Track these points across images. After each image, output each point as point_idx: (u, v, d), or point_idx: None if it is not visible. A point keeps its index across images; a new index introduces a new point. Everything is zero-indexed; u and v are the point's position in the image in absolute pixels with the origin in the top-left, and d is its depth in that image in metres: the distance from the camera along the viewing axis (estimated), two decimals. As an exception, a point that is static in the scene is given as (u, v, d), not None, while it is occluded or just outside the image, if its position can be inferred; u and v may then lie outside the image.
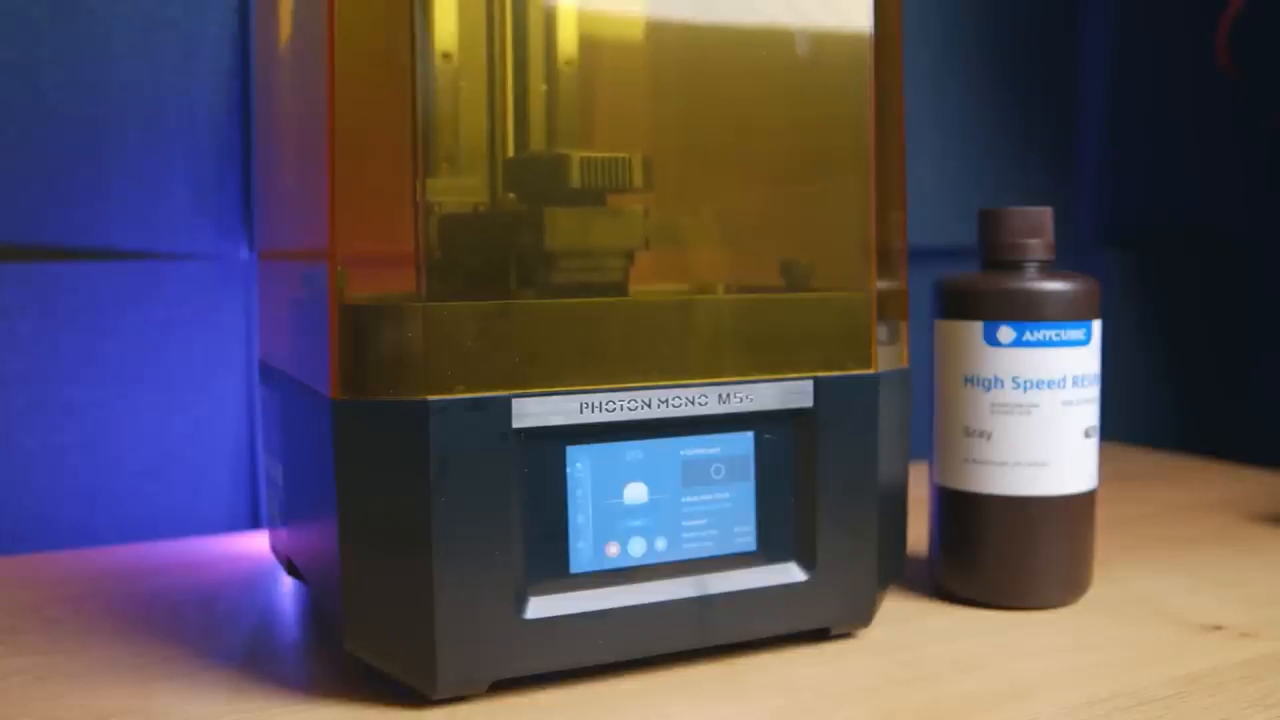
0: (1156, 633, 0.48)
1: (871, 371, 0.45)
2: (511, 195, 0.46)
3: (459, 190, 0.45)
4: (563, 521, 0.42)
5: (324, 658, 0.45)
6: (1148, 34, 0.99)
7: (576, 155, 0.43)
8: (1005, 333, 0.49)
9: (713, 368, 0.43)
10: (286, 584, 0.55)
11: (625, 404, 0.42)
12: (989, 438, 0.50)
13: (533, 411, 0.40)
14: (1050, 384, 0.49)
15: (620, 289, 0.45)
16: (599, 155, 0.44)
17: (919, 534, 0.58)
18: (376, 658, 0.40)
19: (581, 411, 0.41)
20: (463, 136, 0.45)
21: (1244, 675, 0.43)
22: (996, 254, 0.51)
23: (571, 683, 0.42)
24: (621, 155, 0.44)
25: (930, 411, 0.52)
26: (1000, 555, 0.50)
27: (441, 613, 0.39)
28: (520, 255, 0.44)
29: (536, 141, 0.47)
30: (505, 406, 0.40)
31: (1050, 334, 0.49)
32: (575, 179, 0.43)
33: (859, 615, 0.46)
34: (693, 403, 0.43)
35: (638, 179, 0.44)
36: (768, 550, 0.45)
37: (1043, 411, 0.49)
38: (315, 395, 0.41)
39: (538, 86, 0.46)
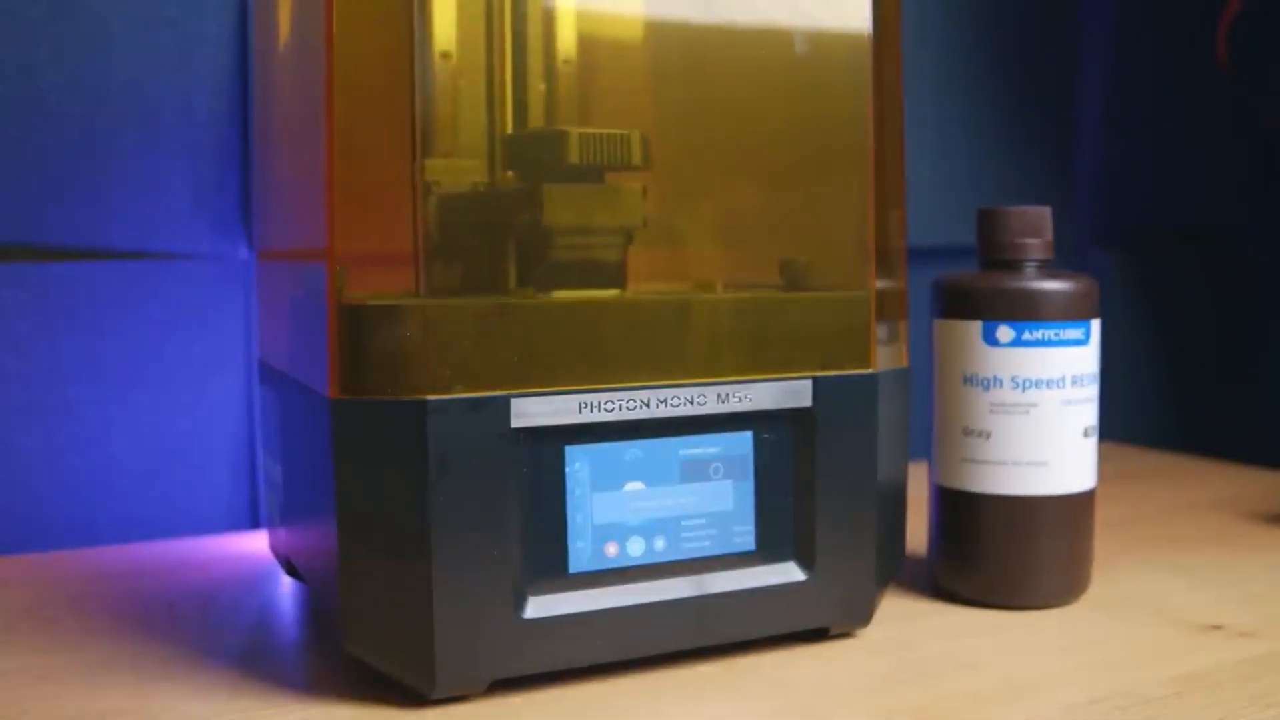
0: (1155, 632, 0.48)
1: (870, 371, 0.45)
2: (510, 174, 0.45)
3: (456, 174, 0.45)
4: (561, 521, 0.41)
5: (323, 657, 0.45)
6: (1147, 34, 0.99)
7: (575, 131, 0.43)
8: (1004, 332, 0.49)
9: (711, 367, 0.43)
10: (285, 584, 0.55)
11: (624, 403, 0.42)
12: (988, 437, 0.50)
13: (531, 411, 0.40)
14: (1049, 383, 0.49)
15: (619, 270, 0.44)
16: (598, 131, 0.43)
17: (918, 533, 0.58)
18: (375, 657, 0.40)
19: (580, 411, 0.41)
20: (461, 136, 0.45)
21: (1243, 674, 0.43)
22: (995, 253, 0.51)
23: (570, 682, 0.42)
24: (621, 131, 0.43)
25: (929, 411, 0.52)
26: (999, 555, 0.50)
27: (440, 612, 0.39)
28: (519, 235, 0.43)
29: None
30: (504, 406, 0.40)
31: (1049, 333, 0.49)
32: (574, 155, 0.43)
33: (858, 615, 0.46)
34: (691, 402, 0.43)
35: (636, 157, 0.44)
36: (766, 550, 0.45)
37: (1042, 411, 0.49)
38: (314, 395, 0.41)
39: (536, 85, 0.46)
